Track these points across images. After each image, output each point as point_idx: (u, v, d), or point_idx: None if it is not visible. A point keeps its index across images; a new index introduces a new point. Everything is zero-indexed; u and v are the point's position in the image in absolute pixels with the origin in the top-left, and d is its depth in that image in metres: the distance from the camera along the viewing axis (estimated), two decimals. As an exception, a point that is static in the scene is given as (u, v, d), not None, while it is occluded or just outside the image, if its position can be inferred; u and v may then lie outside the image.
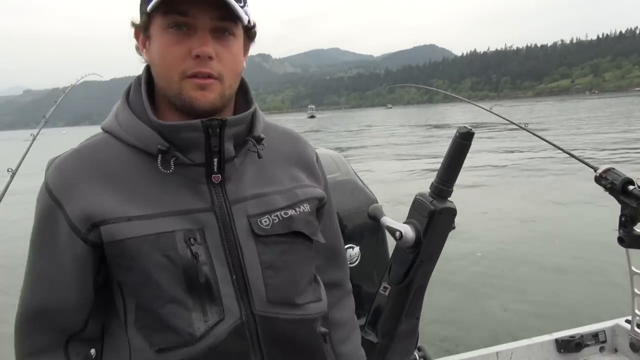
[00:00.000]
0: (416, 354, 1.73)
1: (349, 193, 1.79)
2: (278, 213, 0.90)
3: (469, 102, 2.48)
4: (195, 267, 0.83)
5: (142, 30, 0.87)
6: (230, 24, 0.84)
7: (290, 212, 0.92)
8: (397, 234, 1.47)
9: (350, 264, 1.71)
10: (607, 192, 1.69)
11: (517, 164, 13.69)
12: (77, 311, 0.88)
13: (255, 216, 0.88)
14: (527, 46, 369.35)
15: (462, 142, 1.46)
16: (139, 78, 0.92)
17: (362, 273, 1.73)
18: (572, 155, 1.87)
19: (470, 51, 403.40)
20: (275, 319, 0.89)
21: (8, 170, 1.71)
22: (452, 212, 1.49)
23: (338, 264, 1.14)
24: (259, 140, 0.91)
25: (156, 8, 0.80)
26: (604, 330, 2.10)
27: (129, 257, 0.82)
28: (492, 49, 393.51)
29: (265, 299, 0.88)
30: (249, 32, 0.92)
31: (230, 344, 0.85)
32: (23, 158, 1.80)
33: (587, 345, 2.06)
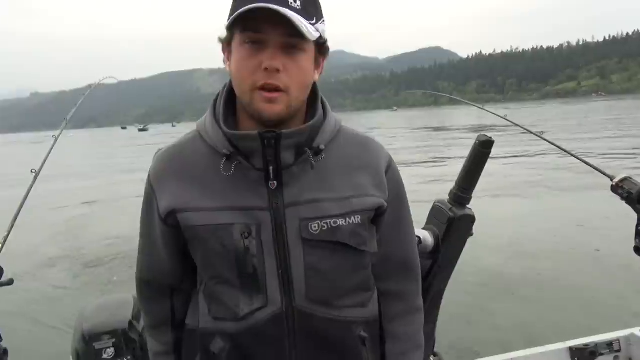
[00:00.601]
0: (432, 359, 1.74)
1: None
2: (328, 221, 0.97)
3: (482, 108, 2.48)
4: (245, 257, 0.96)
5: (226, 45, 0.97)
6: (298, 41, 0.91)
7: (340, 221, 0.98)
8: (416, 239, 1.49)
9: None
10: (624, 202, 1.70)
11: (529, 170, 13.52)
12: (172, 273, 1.11)
13: (307, 220, 0.97)
14: (533, 48, 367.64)
15: (482, 151, 1.48)
16: (225, 87, 1.04)
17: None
18: (588, 164, 1.87)
19: (476, 53, 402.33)
20: (312, 315, 0.99)
21: (32, 171, 1.75)
22: (471, 219, 1.51)
23: (407, 276, 1.15)
24: (318, 151, 0.98)
25: (234, 26, 0.91)
26: (618, 340, 2.09)
27: (197, 241, 1.00)
28: (498, 51, 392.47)
29: (304, 295, 0.98)
30: (321, 48, 0.99)
31: (268, 329, 0.98)
32: (46, 159, 1.84)
33: (602, 354, 2.05)
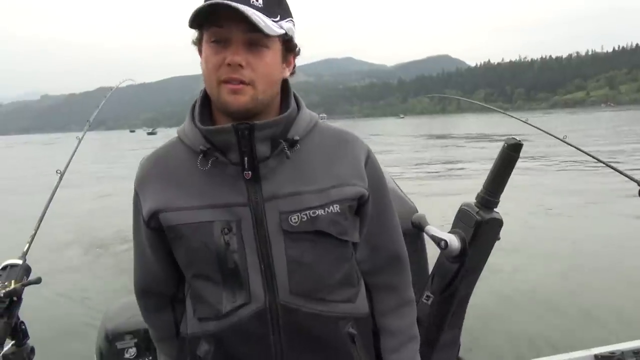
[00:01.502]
0: (456, 364, 1.73)
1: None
2: (307, 212, 0.97)
3: (504, 113, 2.47)
4: (226, 253, 0.96)
5: (198, 45, 0.99)
6: (260, 37, 0.92)
7: (319, 211, 0.98)
8: (442, 243, 1.48)
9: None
10: None
11: (551, 175, 13.37)
12: (165, 280, 1.12)
13: (287, 213, 0.97)
14: (541, 58, 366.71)
15: (510, 154, 1.47)
16: (203, 90, 1.04)
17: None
18: (614, 169, 1.85)
19: (484, 62, 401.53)
20: (296, 310, 0.98)
21: (57, 172, 1.76)
22: (499, 223, 1.50)
23: (396, 269, 1.14)
24: (292, 143, 0.98)
25: (202, 24, 0.94)
26: None
27: (178, 240, 1.00)
28: (507, 60, 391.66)
29: (288, 289, 0.97)
30: (288, 45, 1.00)
31: (252, 326, 0.98)
32: (70, 160, 1.85)
33: None
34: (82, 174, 17.72)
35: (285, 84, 1.03)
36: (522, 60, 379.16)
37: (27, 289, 1.34)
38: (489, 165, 1.55)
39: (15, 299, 1.29)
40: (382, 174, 1.10)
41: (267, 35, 0.91)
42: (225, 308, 0.98)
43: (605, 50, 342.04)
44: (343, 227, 1.01)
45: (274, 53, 0.95)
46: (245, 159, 0.95)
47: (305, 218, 0.97)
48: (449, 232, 1.54)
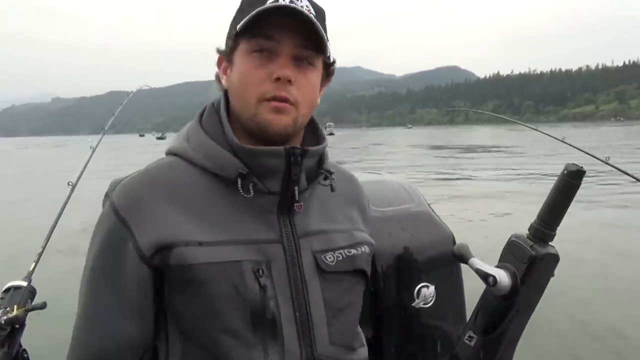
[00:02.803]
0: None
1: (425, 227, 1.64)
2: (341, 251, 0.89)
3: (536, 129, 2.31)
4: (263, 301, 0.79)
5: (226, 56, 0.89)
6: (311, 54, 0.84)
7: (353, 251, 0.91)
8: (491, 279, 1.32)
9: (425, 304, 1.57)
10: None
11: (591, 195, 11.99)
12: (137, 349, 0.83)
13: (320, 252, 0.87)
14: (551, 70, 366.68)
15: (571, 182, 1.30)
16: (213, 103, 0.92)
17: (439, 315, 1.58)
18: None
19: (494, 74, 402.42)
20: None
21: (68, 184, 1.67)
22: (555, 258, 1.34)
23: None
24: (330, 173, 0.90)
25: (244, 30, 0.81)
26: None
27: (197, 284, 0.77)
28: (516, 72, 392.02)
29: (328, 340, 0.85)
30: (328, 69, 0.92)
31: None
32: (82, 172, 1.75)
33: None
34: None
35: None
36: (532, 72, 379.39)
37: (30, 313, 1.21)
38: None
39: (17, 326, 1.17)
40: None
41: (319, 54, 0.84)
42: None
43: (615, 64, 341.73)
44: (369, 270, 0.97)
45: (317, 73, 0.87)
46: (295, 188, 0.83)
47: (341, 257, 0.88)
48: (497, 267, 1.38)
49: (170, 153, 0.90)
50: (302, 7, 0.81)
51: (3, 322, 1.12)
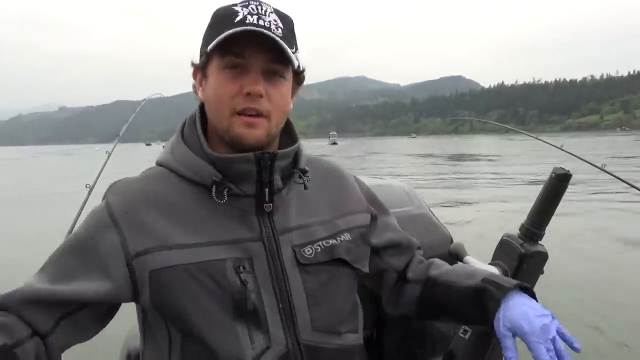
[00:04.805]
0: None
1: (424, 229, 1.73)
2: (320, 243, 0.94)
3: (535, 137, 2.41)
4: (244, 294, 0.86)
5: (200, 70, 0.93)
6: (280, 67, 0.89)
7: (332, 241, 0.96)
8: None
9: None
10: None
11: (589, 201, 12.10)
12: (59, 306, 0.84)
13: (299, 246, 0.92)
14: (556, 80, 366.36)
15: (558, 184, 1.40)
16: (192, 115, 0.98)
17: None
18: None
19: (498, 83, 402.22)
20: (320, 349, 0.92)
21: (86, 187, 1.77)
22: (544, 256, 1.43)
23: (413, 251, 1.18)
24: (304, 172, 0.96)
25: (215, 49, 0.86)
26: None
27: (181, 282, 0.84)
28: (520, 82, 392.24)
29: (310, 327, 0.91)
30: (298, 77, 0.97)
31: None
32: (99, 174, 1.87)
33: None
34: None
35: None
36: (536, 82, 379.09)
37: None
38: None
39: None
40: (377, 196, 1.13)
41: (288, 66, 0.89)
42: (248, 357, 0.87)
43: (620, 74, 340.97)
44: (356, 255, 0.99)
45: (288, 84, 0.92)
46: (266, 190, 0.90)
47: (320, 249, 0.94)
48: (490, 264, 1.47)
49: (159, 164, 0.97)
50: (269, 22, 0.87)
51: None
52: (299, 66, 0.93)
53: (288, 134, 1.01)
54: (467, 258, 1.51)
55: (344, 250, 0.96)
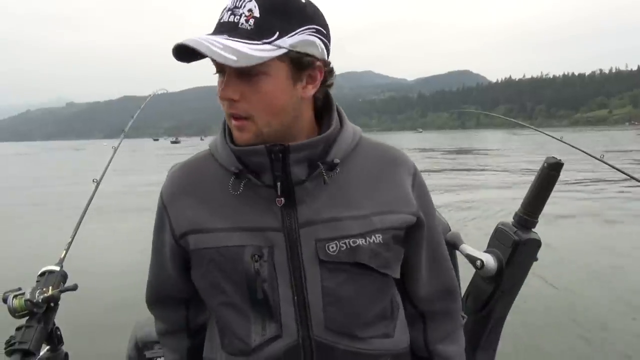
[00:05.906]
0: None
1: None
2: (347, 240, 0.90)
3: (537, 130, 2.43)
4: (255, 282, 0.89)
5: None
6: (249, 67, 0.80)
7: (360, 241, 0.90)
8: (478, 262, 1.45)
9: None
10: None
11: (586, 193, 12.66)
12: (183, 289, 1.05)
13: (324, 241, 0.89)
14: (563, 74, 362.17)
15: (550, 173, 1.44)
16: None
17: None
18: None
19: (505, 78, 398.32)
20: (332, 348, 0.91)
21: (93, 181, 1.80)
22: (537, 243, 1.47)
23: (451, 296, 1.10)
24: (332, 166, 0.91)
25: (181, 58, 0.85)
26: None
27: (205, 264, 0.93)
28: (528, 76, 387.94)
29: (323, 325, 0.90)
30: (298, 62, 0.85)
31: None
32: (106, 169, 1.89)
33: None
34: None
35: (326, 98, 0.96)
36: (544, 76, 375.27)
37: (62, 295, 1.35)
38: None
39: (52, 304, 1.31)
40: (429, 195, 1.03)
41: (264, 62, 0.81)
42: (255, 342, 0.91)
43: (629, 68, 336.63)
44: (385, 260, 0.94)
45: (275, 78, 0.84)
46: (279, 183, 0.89)
47: (345, 247, 0.89)
48: (485, 252, 1.51)
49: (209, 147, 1.01)
50: (240, 15, 0.81)
51: (40, 300, 1.27)
52: (289, 51, 0.83)
53: (327, 119, 0.96)
54: (463, 246, 1.55)
55: (368, 254, 0.91)
